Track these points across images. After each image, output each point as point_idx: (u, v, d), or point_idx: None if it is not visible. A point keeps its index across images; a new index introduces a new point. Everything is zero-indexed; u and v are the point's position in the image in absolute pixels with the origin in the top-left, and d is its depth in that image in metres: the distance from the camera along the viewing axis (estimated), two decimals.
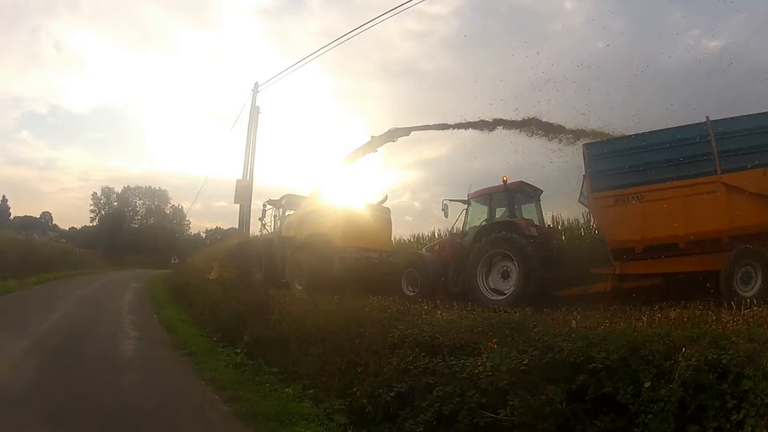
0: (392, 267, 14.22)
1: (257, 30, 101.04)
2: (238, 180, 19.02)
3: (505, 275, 11.59)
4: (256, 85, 20.17)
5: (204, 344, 12.04)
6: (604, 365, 4.98)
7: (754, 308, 6.38)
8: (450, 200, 13.75)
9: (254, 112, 19.78)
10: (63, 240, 70.62)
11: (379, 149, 16.86)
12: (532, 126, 13.14)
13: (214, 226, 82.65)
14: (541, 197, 13.50)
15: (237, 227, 20.16)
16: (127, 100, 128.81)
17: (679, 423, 4.38)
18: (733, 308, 6.75)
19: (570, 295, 10.63)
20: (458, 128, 15.19)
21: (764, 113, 9.66)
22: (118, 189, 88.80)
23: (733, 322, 5.81)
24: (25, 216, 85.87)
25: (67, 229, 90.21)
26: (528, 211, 13.15)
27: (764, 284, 8.80)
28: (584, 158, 11.17)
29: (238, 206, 19.25)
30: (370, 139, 16.79)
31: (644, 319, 6.51)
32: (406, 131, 16.50)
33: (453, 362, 6.15)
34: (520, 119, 13.37)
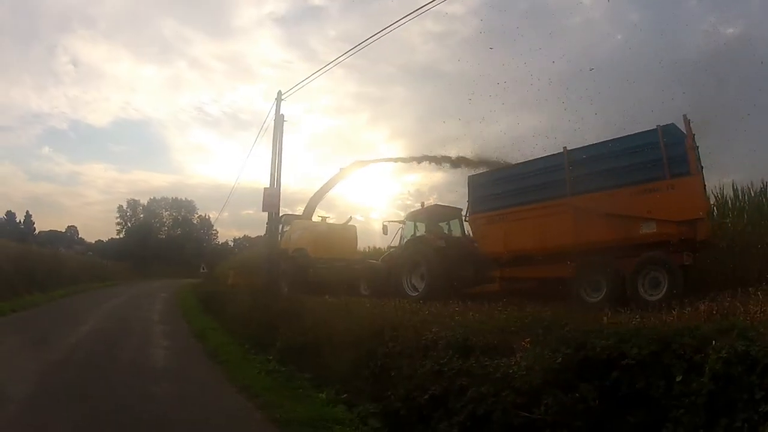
0: (353, 273, 17.57)
1: (277, 38, 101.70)
2: (265, 188, 19.15)
3: (423, 277, 14.31)
4: (279, 93, 20.25)
5: (236, 352, 12.27)
6: (637, 361, 4.99)
7: None
8: (389, 221, 17.83)
9: (279, 120, 19.84)
10: (90, 253, 71.39)
11: (348, 177, 22.21)
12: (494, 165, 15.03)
13: (242, 235, 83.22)
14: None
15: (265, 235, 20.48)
16: (149, 113, 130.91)
17: (710, 416, 4.39)
18: (759, 298, 6.77)
19: (474, 292, 12.49)
20: (419, 161, 19.09)
21: (610, 140, 10.86)
22: (144, 201, 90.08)
23: (760, 313, 5.81)
24: (51, 230, 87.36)
25: (93, 242, 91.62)
26: (455, 226, 16.19)
27: (610, 292, 10.16)
28: (468, 187, 13.53)
29: (266, 214, 19.47)
30: (338, 170, 22.19)
31: (674, 313, 6.55)
32: (366, 163, 22.23)
33: (486, 363, 6.14)
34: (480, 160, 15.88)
